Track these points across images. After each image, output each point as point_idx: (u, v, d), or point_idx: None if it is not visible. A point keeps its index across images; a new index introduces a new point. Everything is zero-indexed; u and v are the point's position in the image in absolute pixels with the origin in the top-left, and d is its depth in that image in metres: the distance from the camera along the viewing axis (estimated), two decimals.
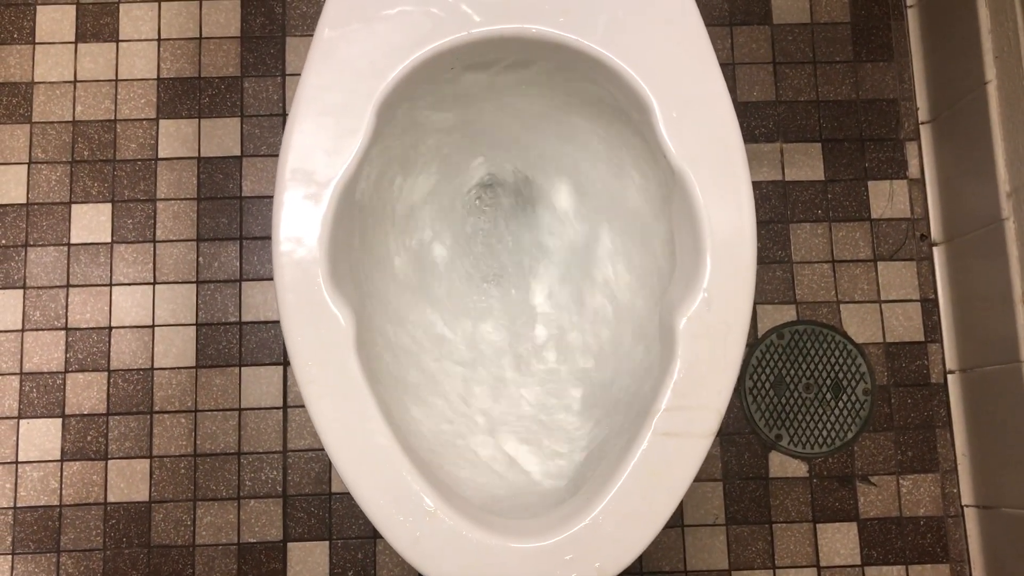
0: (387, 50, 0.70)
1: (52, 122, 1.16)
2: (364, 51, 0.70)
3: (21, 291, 1.13)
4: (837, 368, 1.12)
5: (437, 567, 0.64)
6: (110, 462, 1.10)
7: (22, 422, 1.10)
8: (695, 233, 0.68)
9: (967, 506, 1.10)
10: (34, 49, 1.18)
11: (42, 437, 1.10)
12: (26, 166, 1.15)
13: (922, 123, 1.18)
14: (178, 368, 1.12)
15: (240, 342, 1.12)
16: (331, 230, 0.68)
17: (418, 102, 0.80)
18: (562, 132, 0.89)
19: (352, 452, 0.65)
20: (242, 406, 1.11)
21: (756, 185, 1.16)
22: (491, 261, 0.97)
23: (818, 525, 1.10)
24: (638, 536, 0.65)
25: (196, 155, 1.16)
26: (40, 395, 1.11)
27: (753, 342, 1.13)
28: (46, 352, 1.12)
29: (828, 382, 1.12)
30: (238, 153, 1.16)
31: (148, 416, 1.11)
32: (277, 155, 0.85)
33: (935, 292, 1.14)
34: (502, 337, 0.92)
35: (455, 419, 0.84)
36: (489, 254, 0.97)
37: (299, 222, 0.68)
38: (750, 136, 1.18)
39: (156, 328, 1.12)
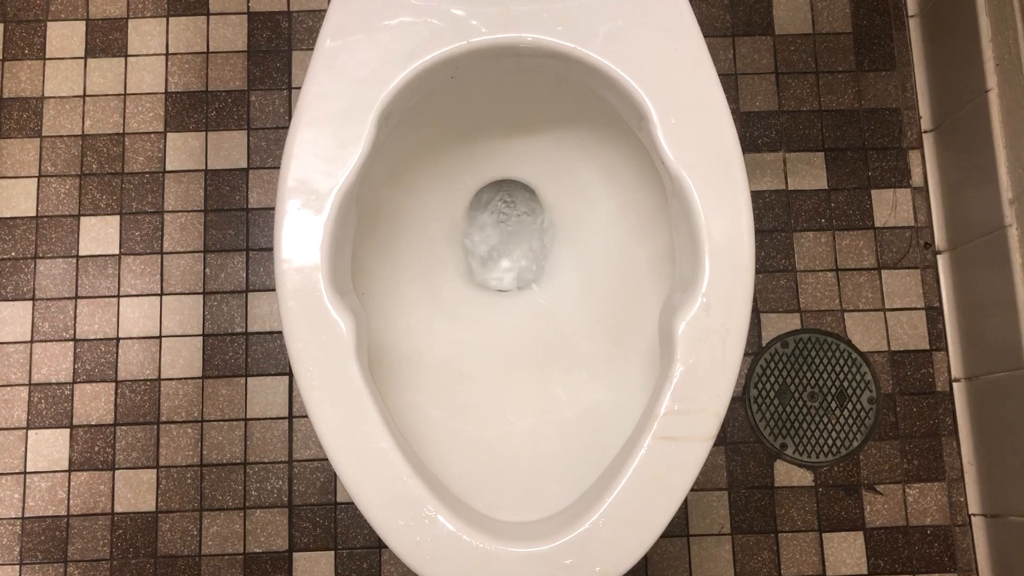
0: (387, 59, 0.71)
1: (61, 136, 1.18)
2: (365, 61, 0.71)
3: (30, 303, 1.14)
4: (842, 377, 1.12)
5: (437, 571, 0.64)
6: (117, 472, 1.10)
7: (30, 432, 1.11)
8: (693, 238, 0.68)
9: (974, 515, 1.09)
10: (44, 64, 1.20)
11: (50, 447, 1.11)
12: (36, 179, 1.17)
13: (925, 131, 1.18)
14: (185, 378, 1.12)
15: (246, 352, 1.13)
16: (332, 238, 0.69)
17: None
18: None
19: (353, 457, 0.65)
20: (248, 416, 1.11)
21: (759, 194, 1.17)
22: (498, 263, 0.98)
23: (824, 534, 1.09)
24: (639, 540, 0.65)
25: (203, 167, 1.17)
26: (48, 406, 1.12)
27: (757, 351, 1.13)
28: (54, 363, 1.12)
29: (833, 391, 1.12)
30: (245, 165, 1.17)
31: (155, 426, 1.11)
32: None
33: (940, 300, 1.14)
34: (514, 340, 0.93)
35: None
36: (496, 257, 0.98)
37: (300, 230, 0.69)
38: (753, 146, 1.18)
39: (163, 339, 1.13)
